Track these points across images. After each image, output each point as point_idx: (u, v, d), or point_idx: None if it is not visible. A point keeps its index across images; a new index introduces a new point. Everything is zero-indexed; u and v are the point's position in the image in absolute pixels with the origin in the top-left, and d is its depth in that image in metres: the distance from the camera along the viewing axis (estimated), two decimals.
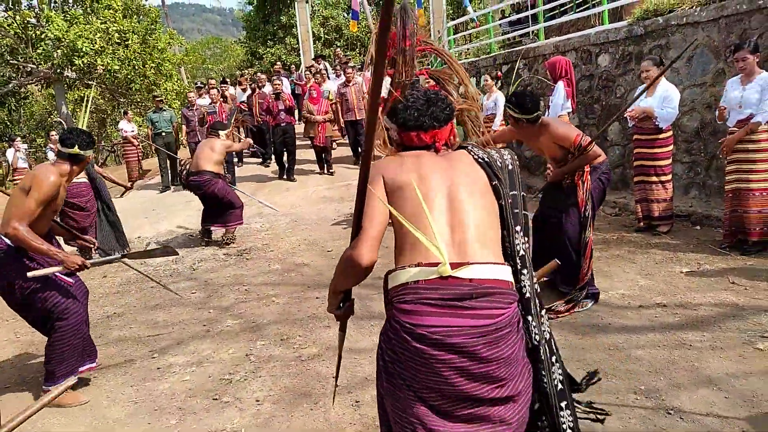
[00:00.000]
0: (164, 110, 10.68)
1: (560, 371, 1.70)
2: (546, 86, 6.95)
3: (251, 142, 8.40)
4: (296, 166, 10.22)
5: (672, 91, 5.16)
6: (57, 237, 3.59)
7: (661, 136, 5.24)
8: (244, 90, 11.45)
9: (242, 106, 10.48)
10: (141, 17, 16.68)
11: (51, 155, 10.20)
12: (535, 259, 4.11)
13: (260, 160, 11.34)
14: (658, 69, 5.02)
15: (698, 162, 5.96)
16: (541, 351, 1.66)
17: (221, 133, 6.90)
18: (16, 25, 14.58)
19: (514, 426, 1.53)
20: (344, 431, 2.73)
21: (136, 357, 3.88)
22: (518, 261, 1.68)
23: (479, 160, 1.72)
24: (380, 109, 1.76)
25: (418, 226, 1.54)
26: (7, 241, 3.08)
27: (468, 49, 12.38)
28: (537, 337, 1.66)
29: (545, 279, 4.29)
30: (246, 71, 23.42)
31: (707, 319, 3.52)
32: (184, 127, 10.40)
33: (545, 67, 6.50)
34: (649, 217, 5.44)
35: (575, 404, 1.76)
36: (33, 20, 14.88)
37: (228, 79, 13.10)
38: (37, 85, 18.60)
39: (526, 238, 1.72)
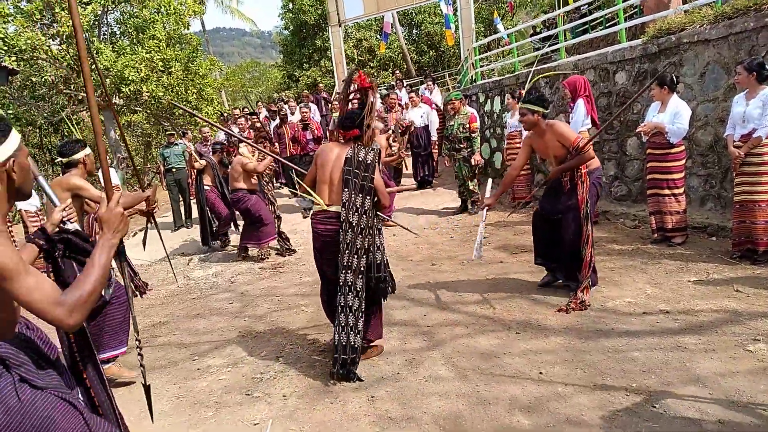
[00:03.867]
0: (176, 144, 10.26)
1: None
2: (566, 104, 7.19)
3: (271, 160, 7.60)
4: None
5: (682, 108, 5.36)
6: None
7: (673, 150, 5.43)
8: (273, 118, 11.16)
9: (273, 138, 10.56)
10: (183, 45, 17.57)
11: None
12: (542, 248, 4.82)
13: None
14: (662, 89, 5.28)
15: (713, 175, 6.10)
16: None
17: (241, 146, 7.22)
18: (69, 57, 15.60)
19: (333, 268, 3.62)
20: (359, 421, 3.05)
21: (179, 360, 4.31)
22: (354, 208, 3.47)
23: (347, 156, 3.53)
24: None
25: (321, 186, 3.65)
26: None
27: (492, 69, 12.68)
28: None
29: (563, 283, 4.76)
30: (283, 94, 24.26)
31: (706, 324, 3.71)
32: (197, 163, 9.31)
33: (564, 86, 6.77)
34: (663, 229, 5.61)
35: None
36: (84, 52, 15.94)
37: (258, 110, 12.88)
38: (87, 112, 19.70)
39: (367, 197, 3.49)
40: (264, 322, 4.91)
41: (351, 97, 3.72)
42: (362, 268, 3.50)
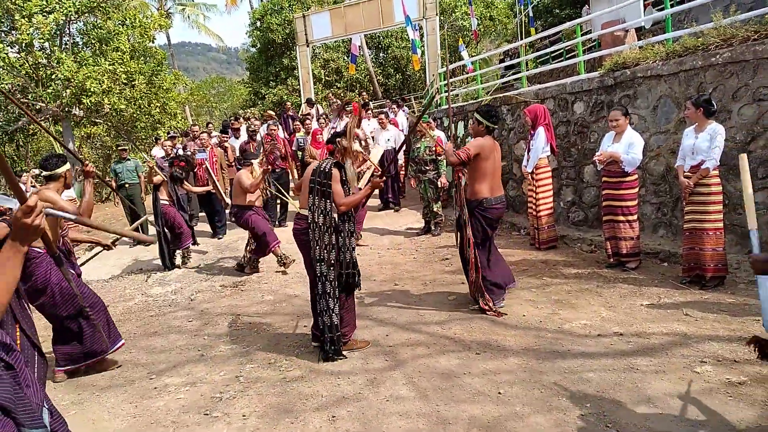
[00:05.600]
0: (128, 160, 10.03)
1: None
2: (527, 131, 7.41)
3: (262, 179, 7.50)
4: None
5: (636, 139, 5.61)
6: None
7: (627, 179, 5.66)
8: (237, 136, 11.20)
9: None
10: (147, 59, 17.35)
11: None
12: None
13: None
14: (626, 118, 5.57)
15: (665, 203, 6.38)
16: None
17: (253, 162, 7.29)
18: (27, 65, 15.21)
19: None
20: None
21: (136, 378, 4.21)
22: (318, 210, 4.08)
23: (314, 168, 4.22)
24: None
25: (303, 193, 4.36)
26: (38, 250, 3.95)
27: (457, 95, 12.97)
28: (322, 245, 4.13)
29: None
30: (248, 111, 24.15)
31: (657, 346, 3.86)
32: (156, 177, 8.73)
33: (525, 114, 6.99)
34: (618, 254, 5.81)
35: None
36: (44, 61, 15.55)
37: (230, 127, 12.45)
38: (45, 123, 19.19)
39: (327, 200, 4.07)
40: (224, 341, 4.85)
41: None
42: (332, 261, 4.07)
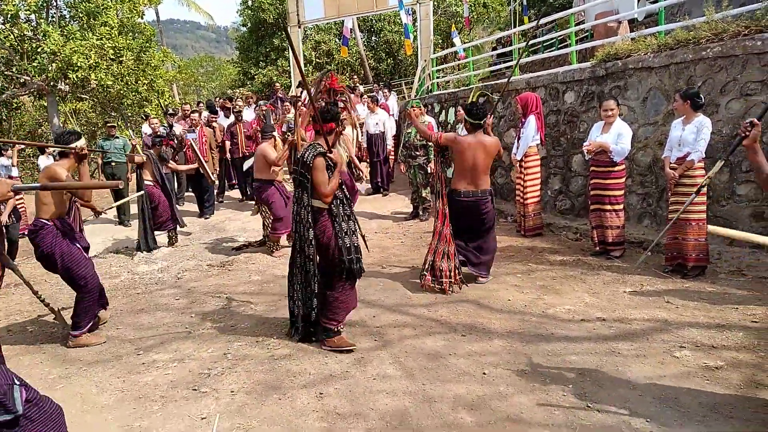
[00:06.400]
0: (117, 138, 9.68)
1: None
2: (517, 119, 7.45)
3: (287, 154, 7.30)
4: None
5: (625, 129, 5.68)
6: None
7: (615, 168, 5.74)
8: (227, 116, 11.23)
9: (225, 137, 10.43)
10: (136, 35, 17.08)
11: (41, 162, 10.30)
12: None
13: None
14: (619, 108, 5.68)
15: (651, 194, 6.48)
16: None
17: (274, 135, 7.22)
18: (12, 37, 14.91)
19: None
20: (307, 416, 3.10)
21: (123, 354, 4.22)
22: (300, 203, 3.95)
23: (300, 155, 3.97)
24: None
25: None
26: (45, 221, 4.22)
27: (448, 81, 12.96)
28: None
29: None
30: (238, 91, 23.92)
31: (638, 332, 3.96)
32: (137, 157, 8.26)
33: (516, 101, 7.03)
34: (603, 243, 5.91)
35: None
36: (30, 34, 15.25)
37: (218, 107, 12.37)
38: (29, 97, 18.87)
39: (302, 191, 3.91)
40: (211, 319, 4.87)
41: (319, 96, 4.29)
42: (310, 255, 3.98)
